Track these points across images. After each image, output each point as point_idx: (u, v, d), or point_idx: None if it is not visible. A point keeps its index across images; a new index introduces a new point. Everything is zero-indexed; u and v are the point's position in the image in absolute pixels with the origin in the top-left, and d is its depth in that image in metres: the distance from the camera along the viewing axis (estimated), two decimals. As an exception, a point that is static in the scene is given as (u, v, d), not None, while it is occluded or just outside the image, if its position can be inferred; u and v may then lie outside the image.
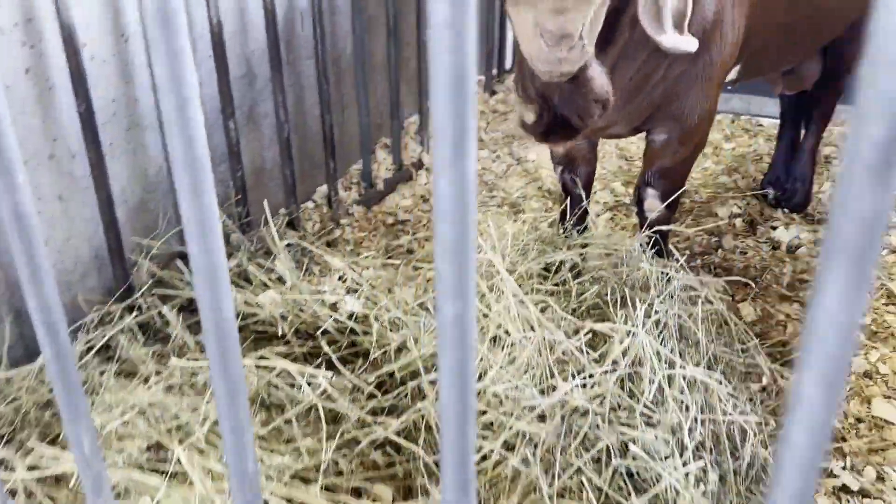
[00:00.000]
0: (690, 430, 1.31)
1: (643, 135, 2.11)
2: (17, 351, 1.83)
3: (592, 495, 1.33)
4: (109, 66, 1.90)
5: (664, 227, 2.06)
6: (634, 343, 1.45)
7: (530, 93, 1.58)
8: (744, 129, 3.65)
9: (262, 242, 2.34)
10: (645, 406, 1.33)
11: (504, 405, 1.40)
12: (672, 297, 1.66)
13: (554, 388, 1.40)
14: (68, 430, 0.84)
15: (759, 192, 2.98)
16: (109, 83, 1.92)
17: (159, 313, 1.99)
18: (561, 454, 1.36)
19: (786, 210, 2.91)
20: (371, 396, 1.70)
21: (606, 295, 1.76)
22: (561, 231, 2.20)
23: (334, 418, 1.73)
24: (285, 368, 1.71)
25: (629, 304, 1.65)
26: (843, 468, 1.77)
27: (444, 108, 0.51)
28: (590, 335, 1.54)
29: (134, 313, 1.98)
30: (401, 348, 1.83)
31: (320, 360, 1.87)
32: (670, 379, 1.41)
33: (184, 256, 2.16)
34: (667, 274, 1.71)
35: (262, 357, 1.77)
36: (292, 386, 1.70)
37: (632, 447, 1.35)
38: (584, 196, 2.24)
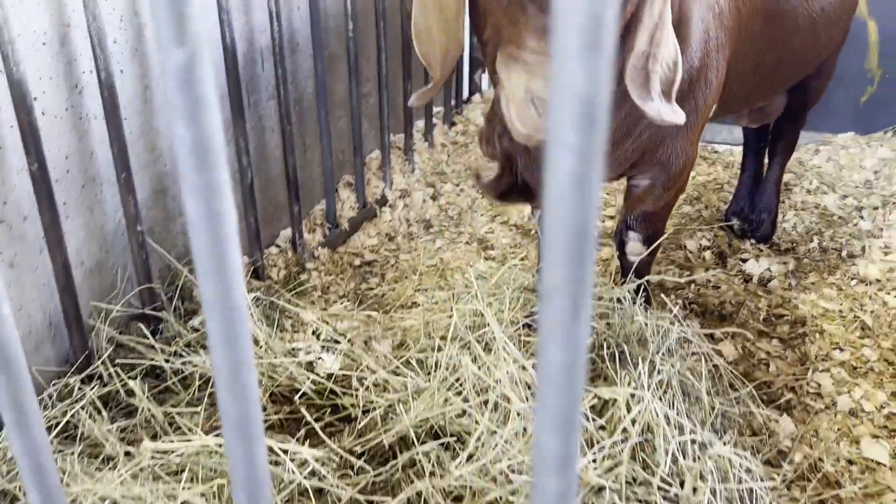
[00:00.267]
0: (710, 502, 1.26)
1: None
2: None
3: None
4: (62, 120, 1.77)
5: (653, 278, 2.02)
6: (642, 407, 1.39)
7: (495, 151, 1.53)
8: (701, 157, 3.68)
9: (227, 296, 2.22)
10: (661, 479, 1.28)
11: (513, 482, 1.32)
12: (671, 351, 1.62)
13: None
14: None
15: (726, 224, 2.99)
16: (63, 138, 1.78)
17: (122, 382, 1.85)
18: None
19: (752, 241, 2.93)
20: (361, 471, 1.60)
21: (602, 350, 1.70)
22: (538, 275, 2.14)
23: (319, 490, 1.62)
24: (267, 445, 1.59)
25: (629, 361, 1.60)
26: (842, 516, 1.75)
27: (561, 268, 0.43)
28: (594, 399, 1.47)
29: (95, 383, 1.83)
30: (387, 413, 1.74)
31: (301, 429, 1.76)
32: (682, 446, 1.35)
33: (145, 318, 2.02)
34: (663, 327, 1.66)
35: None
36: (276, 464, 1.59)
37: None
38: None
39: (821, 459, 1.86)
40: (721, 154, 3.73)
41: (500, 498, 1.38)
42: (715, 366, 1.81)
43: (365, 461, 1.63)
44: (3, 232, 1.67)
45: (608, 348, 1.69)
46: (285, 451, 1.58)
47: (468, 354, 1.67)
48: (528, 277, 2.51)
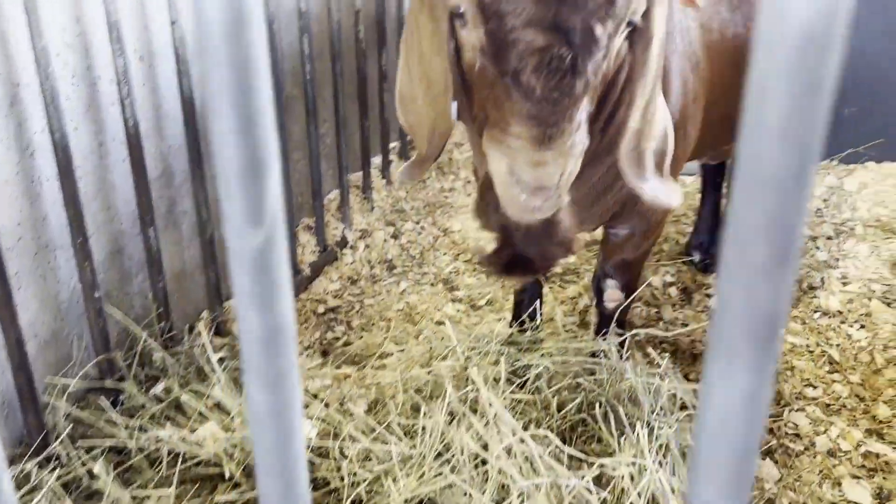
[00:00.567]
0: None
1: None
2: None
3: None
4: (13, 185, 1.64)
5: (642, 331, 2.00)
6: (647, 478, 1.36)
7: (491, 224, 1.48)
8: (657, 188, 3.71)
9: (189, 358, 2.10)
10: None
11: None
12: (664, 410, 1.59)
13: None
14: None
15: (687, 258, 3.02)
16: (13, 204, 1.65)
17: (82, 462, 1.72)
18: None
19: (714, 274, 2.95)
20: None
21: (593, 409, 1.66)
22: (517, 328, 2.10)
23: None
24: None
25: (624, 421, 1.56)
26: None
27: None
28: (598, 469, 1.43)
29: (53, 465, 1.70)
30: (373, 487, 1.66)
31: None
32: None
33: (105, 391, 1.90)
34: (654, 384, 1.63)
35: (218, 514, 1.55)
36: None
37: None
38: (539, 291, 2.15)
39: (806, 504, 1.86)
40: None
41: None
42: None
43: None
44: (-51, 311, 1.53)
45: (600, 407, 1.65)
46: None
47: (457, 422, 1.60)
48: (503, 326, 2.46)
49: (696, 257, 3.01)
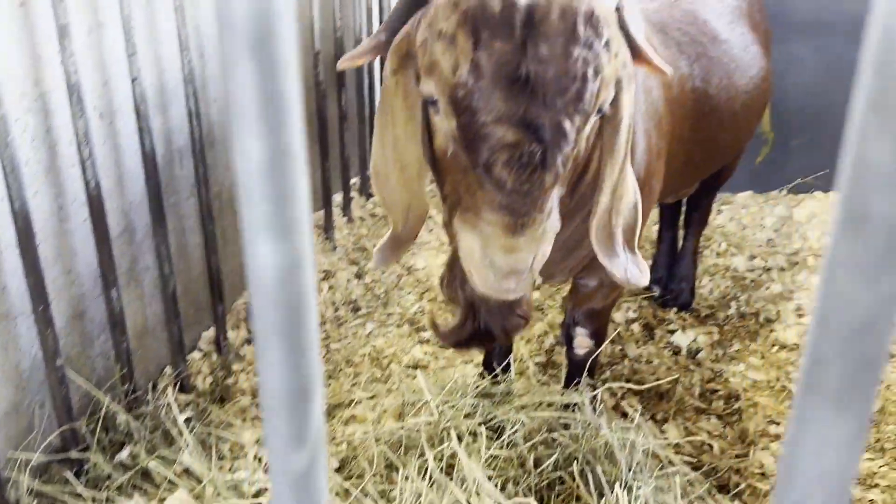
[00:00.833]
0: None
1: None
2: None
3: None
4: (-29, 257, 1.59)
5: (615, 385, 2.02)
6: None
7: (457, 297, 1.49)
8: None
9: (155, 420, 2.05)
10: None
11: None
12: (640, 466, 1.61)
13: None
14: None
15: (648, 294, 3.07)
16: (-29, 277, 1.60)
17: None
18: None
19: (674, 308, 3.01)
20: None
21: (569, 466, 1.67)
22: (490, 379, 2.10)
23: None
24: None
25: (602, 480, 1.57)
26: None
27: None
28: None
29: (15, 547, 1.63)
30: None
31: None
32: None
33: (69, 461, 1.83)
34: (629, 440, 1.65)
35: None
36: None
37: None
38: (511, 346, 2.16)
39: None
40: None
41: None
42: (681, 473, 1.82)
43: None
44: None
45: (577, 464, 1.66)
46: None
47: (436, 486, 1.59)
48: (472, 368, 2.46)
49: (656, 292, 3.07)
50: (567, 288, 2.32)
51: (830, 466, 0.34)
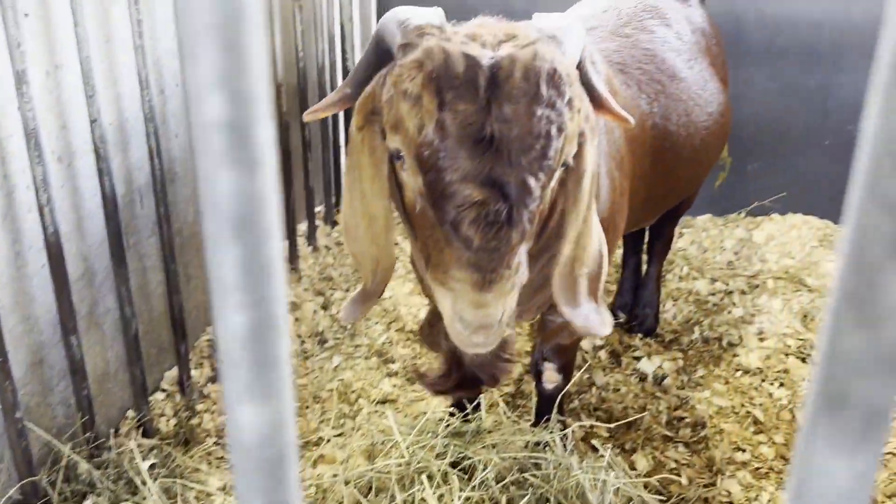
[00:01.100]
0: None
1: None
2: None
3: None
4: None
5: (586, 423, 2.03)
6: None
7: (440, 348, 1.49)
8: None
9: (118, 467, 2.00)
10: None
11: None
12: (611, 507, 1.61)
13: None
14: None
15: (614, 320, 3.09)
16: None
17: None
18: None
19: (639, 334, 3.04)
20: None
21: (541, 509, 1.67)
22: (460, 417, 2.09)
23: None
24: None
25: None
26: None
27: None
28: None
29: None
30: None
31: None
32: None
33: (29, 516, 1.78)
34: (600, 479, 1.66)
35: None
36: None
37: None
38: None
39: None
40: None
41: None
42: None
43: None
44: None
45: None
46: None
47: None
48: (441, 402, 2.45)
49: (621, 317, 3.10)
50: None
51: None
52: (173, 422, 2.40)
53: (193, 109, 0.28)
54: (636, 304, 3.07)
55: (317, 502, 2.00)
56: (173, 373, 2.54)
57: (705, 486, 2.26)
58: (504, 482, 1.80)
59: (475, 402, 2.14)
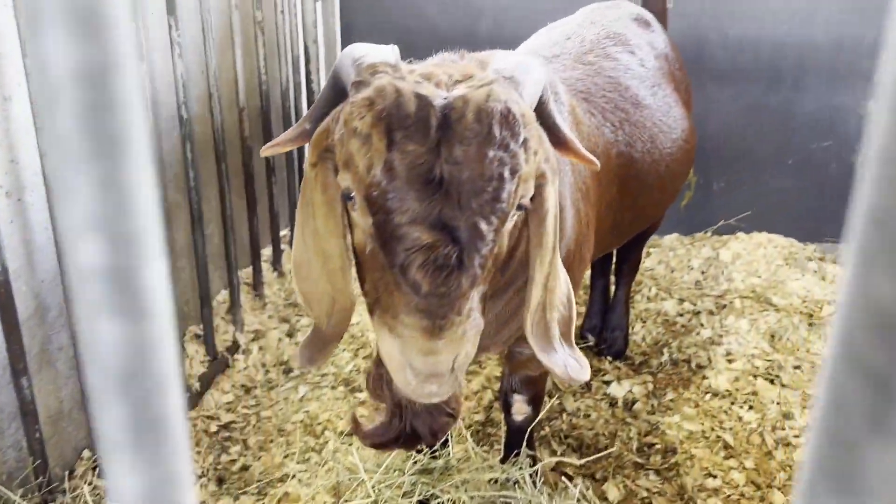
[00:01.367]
0: None
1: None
2: None
3: None
4: None
5: (555, 459, 1.99)
6: None
7: (384, 397, 1.45)
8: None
9: (73, 512, 1.92)
10: None
11: None
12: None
13: None
14: None
15: (583, 343, 3.08)
16: None
17: None
18: None
19: (608, 357, 3.03)
20: None
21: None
22: (428, 454, 2.05)
23: None
24: None
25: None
26: None
27: None
28: None
29: None
30: None
31: None
32: None
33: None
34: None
35: None
36: None
37: None
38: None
39: None
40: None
41: None
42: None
43: None
44: None
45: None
46: None
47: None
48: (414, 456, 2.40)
49: (591, 340, 3.09)
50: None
51: None
52: (132, 460, 2.32)
53: (68, 253, 0.24)
54: (605, 328, 3.06)
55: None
56: (132, 408, 2.46)
57: (676, 514, 2.24)
58: (473, 521, 1.75)
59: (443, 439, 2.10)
